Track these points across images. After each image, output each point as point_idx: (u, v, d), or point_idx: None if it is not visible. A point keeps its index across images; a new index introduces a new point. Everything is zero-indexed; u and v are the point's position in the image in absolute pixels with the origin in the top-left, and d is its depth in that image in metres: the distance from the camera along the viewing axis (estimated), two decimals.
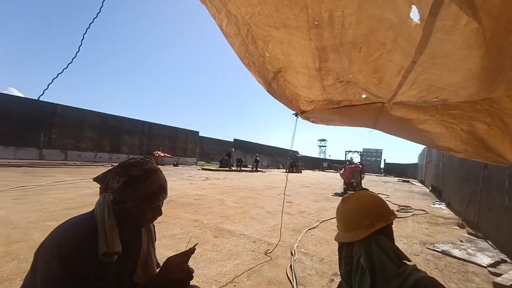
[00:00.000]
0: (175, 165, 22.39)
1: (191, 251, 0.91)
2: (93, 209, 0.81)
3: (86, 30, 0.95)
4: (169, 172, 15.38)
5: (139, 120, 22.61)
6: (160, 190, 0.84)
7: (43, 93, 1.04)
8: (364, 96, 1.62)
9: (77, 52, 0.98)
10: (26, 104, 15.14)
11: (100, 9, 0.93)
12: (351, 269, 0.85)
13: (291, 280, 2.73)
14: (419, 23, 0.76)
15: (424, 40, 0.78)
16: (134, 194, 0.77)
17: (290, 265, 3.09)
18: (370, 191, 1.02)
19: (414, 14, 0.74)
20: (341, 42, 1.05)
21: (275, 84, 1.69)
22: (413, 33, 0.82)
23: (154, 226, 1.06)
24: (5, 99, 14.42)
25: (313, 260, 3.39)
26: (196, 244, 1.00)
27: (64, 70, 0.98)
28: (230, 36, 1.22)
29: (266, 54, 1.31)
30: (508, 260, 3.87)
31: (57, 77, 0.96)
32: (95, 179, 0.88)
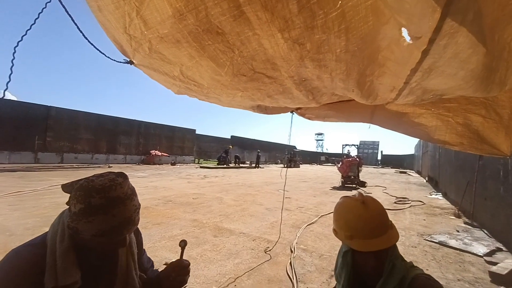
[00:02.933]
0: (173, 164, 22.33)
1: (182, 250, 0.89)
2: (47, 232, 0.69)
3: (31, 26, 0.89)
4: (167, 171, 15.34)
5: (135, 120, 22.46)
6: (123, 225, 0.68)
7: (7, 86, 0.96)
8: None
9: (16, 46, 0.91)
10: (19, 107, 14.94)
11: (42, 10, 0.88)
12: (375, 277, 0.80)
13: (291, 278, 2.75)
14: (411, 42, 0.71)
15: (423, 55, 0.73)
16: (89, 226, 0.64)
17: (290, 262, 3.11)
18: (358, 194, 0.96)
19: (406, 34, 0.69)
20: (334, 87, 1.15)
21: (262, 107, 1.84)
22: (405, 53, 0.78)
23: (137, 228, 0.92)
24: None
25: (312, 256, 3.42)
26: (182, 240, 0.94)
27: (13, 61, 0.91)
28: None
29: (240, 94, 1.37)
30: (504, 248, 3.93)
31: (13, 65, 0.90)
32: (64, 188, 0.73)
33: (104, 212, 0.64)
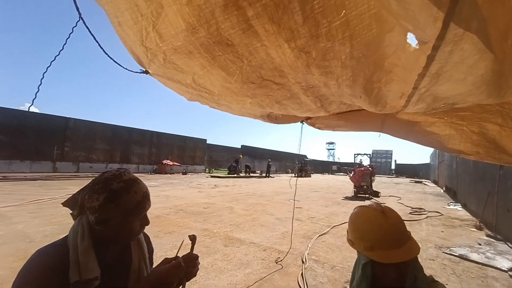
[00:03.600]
0: (184, 173, 22.59)
1: (192, 245, 0.90)
2: (67, 235, 0.74)
3: (66, 41, 0.96)
4: (178, 181, 15.52)
5: (147, 130, 23.06)
6: (144, 199, 0.78)
7: (33, 102, 1.04)
8: None
9: (52, 61, 0.98)
10: (40, 119, 15.75)
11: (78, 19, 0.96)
12: None
13: None
14: (418, 47, 0.72)
15: (429, 61, 0.74)
16: (119, 209, 0.71)
17: (301, 273, 3.05)
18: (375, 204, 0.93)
19: (412, 40, 0.70)
20: (341, 94, 1.17)
21: (272, 116, 1.88)
22: (412, 58, 0.79)
23: (148, 237, 0.99)
24: (21, 115, 15.04)
25: (324, 267, 3.33)
26: (192, 235, 0.97)
27: (42, 80, 0.98)
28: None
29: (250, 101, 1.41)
30: None
31: (41, 83, 0.97)
32: (65, 204, 0.79)
33: (127, 192, 0.73)
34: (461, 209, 8.84)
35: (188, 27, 0.86)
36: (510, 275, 3.32)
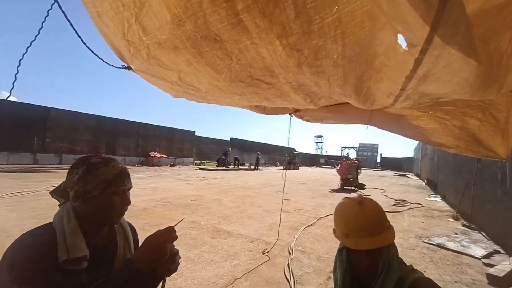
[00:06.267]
0: (172, 165, 22.29)
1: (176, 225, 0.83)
2: (50, 222, 0.75)
3: (42, 24, 0.89)
4: (166, 173, 15.32)
5: (135, 121, 22.43)
6: (122, 173, 0.78)
7: (11, 92, 0.97)
8: None
9: (28, 47, 0.91)
10: (19, 108, 14.89)
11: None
12: (369, 277, 0.83)
13: (289, 279, 2.75)
14: (407, 49, 0.71)
15: (416, 64, 0.74)
16: (97, 180, 0.72)
17: (288, 264, 3.11)
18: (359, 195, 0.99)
19: (402, 41, 0.70)
20: (332, 93, 1.17)
21: (260, 107, 1.86)
22: (401, 60, 0.78)
23: (134, 228, 0.98)
24: None
25: (310, 258, 3.41)
26: (182, 219, 0.96)
27: (18, 68, 0.92)
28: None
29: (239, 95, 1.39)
30: (501, 251, 3.94)
31: (17, 72, 0.91)
32: (53, 193, 0.80)
33: (105, 165, 0.75)
34: (440, 200, 9.26)
35: (173, 19, 0.81)
36: (483, 262, 3.53)
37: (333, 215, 0.96)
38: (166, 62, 1.07)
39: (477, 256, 3.73)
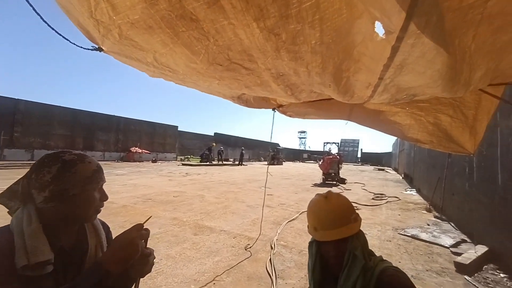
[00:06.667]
0: (154, 161, 21.71)
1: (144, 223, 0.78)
2: (7, 224, 0.68)
3: None
4: (147, 169, 14.89)
5: (114, 115, 21.52)
6: (99, 169, 0.76)
7: None
8: None
9: None
10: None
11: None
12: (338, 268, 0.85)
13: (271, 274, 2.77)
14: (384, 37, 0.72)
15: (393, 52, 0.75)
16: (76, 177, 0.69)
17: (270, 259, 3.13)
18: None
19: (379, 29, 0.70)
20: (311, 83, 1.15)
21: (243, 98, 1.82)
22: (378, 48, 0.79)
23: (108, 226, 0.93)
24: None
25: (292, 252, 3.46)
26: (150, 216, 0.92)
27: None
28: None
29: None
30: (468, 240, 4.22)
31: None
32: (4, 198, 0.71)
33: (81, 161, 0.72)
34: (415, 194, 9.76)
35: None
36: (451, 251, 3.77)
37: None
38: (140, 43, 1.01)
39: (446, 246, 3.97)
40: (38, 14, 0.86)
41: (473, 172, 4.45)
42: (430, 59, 0.82)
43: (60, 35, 0.98)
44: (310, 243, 0.97)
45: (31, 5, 0.84)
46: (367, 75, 1.02)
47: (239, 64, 1.07)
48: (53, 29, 0.94)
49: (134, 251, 0.68)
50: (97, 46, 1.12)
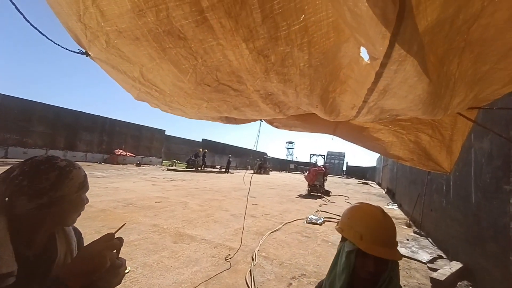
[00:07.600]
0: (138, 164, 21.09)
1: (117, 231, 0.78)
2: None
3: None
4: (130, 172, 14.42)
5: (99, 116, 20.89)
6: (86, 175, 0.80)
7: None
8: None
9: None
10: None
11: None
12: (366, 284, 0.85)
13: (250, 286, 2.71)
14: (369, 62, 0.75)
15: (377, 77, 0.79)
16: (73, 183, 0.72)
17: (250, 270, 3.08)
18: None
19: (364, 54, 0.74)
20: (299, 103, 1.17)
21: (230, 118, 1.88)
22: (364, 72, 0.82)
23: (79, 232, 0.91)
24: None
25: (273, 264, 3.42)
26: (124, 224, 0.92)
27: None
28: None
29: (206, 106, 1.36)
30: (444, 256, 4.35)
31: None
32: None
33: (74, 167, 0.74)
34: (397, 209, 10.00)
35: (134, 8, 0.76)
36: (428, 267, 3.86)
37: (343, 214, 0.97)
38: (127, 54, 0.99)
39: (423, 261, 4.07)
40: (21, 13, 0.84)
41: (449, 190, 4.63)
42: (412, 84, 0.86)
43: (45, 36, 0.96)
44: (350, 252, 0.88)
45: (13, 4, 0.82)
46: (352, 97, 1.06)
47: (227, 85, 1.08)
48: (36, 29, 0.92)
49: (100, 264, 0.65)
50: (84, 51, 1.10)
